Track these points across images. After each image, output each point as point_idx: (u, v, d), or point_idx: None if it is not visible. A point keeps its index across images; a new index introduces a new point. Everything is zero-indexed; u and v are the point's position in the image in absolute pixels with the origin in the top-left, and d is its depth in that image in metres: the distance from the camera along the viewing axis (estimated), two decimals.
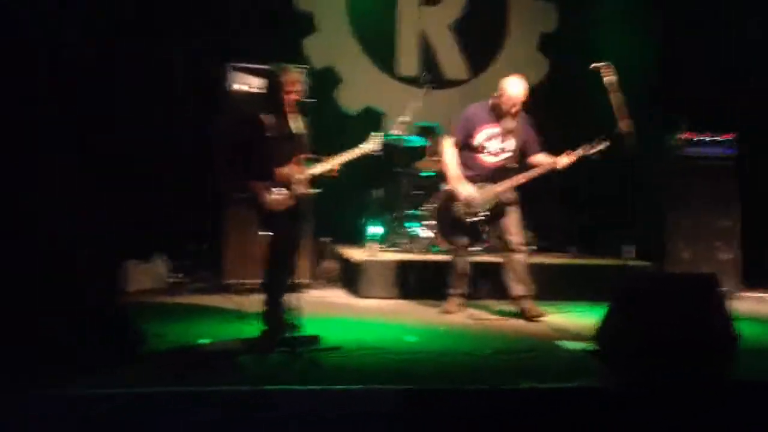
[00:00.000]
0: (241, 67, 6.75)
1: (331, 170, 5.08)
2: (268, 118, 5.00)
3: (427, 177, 7.75)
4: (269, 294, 5.10)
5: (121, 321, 4.19)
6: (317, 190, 5.09)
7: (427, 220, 7.29)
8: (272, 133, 4.98)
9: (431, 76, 7.52)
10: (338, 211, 7.68)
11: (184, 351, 4.57)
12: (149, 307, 5.92)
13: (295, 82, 5.04)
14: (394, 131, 7.21)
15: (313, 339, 4.69)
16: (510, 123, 5.80)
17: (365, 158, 5.41)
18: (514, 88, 5.76)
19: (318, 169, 5.07)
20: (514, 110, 5.76)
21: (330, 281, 7.27)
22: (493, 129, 5.83)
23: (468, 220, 5.86)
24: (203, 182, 7.01)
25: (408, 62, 8.65)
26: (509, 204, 5.89)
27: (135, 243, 6.79)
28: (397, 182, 7.51)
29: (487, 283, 6.54)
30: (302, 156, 5.01)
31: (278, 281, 5.06)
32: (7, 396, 3.49)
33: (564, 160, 5.69)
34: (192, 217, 7.05)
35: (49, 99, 6.76)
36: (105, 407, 3.54)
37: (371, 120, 8.39)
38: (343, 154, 5.20)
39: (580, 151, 5.68)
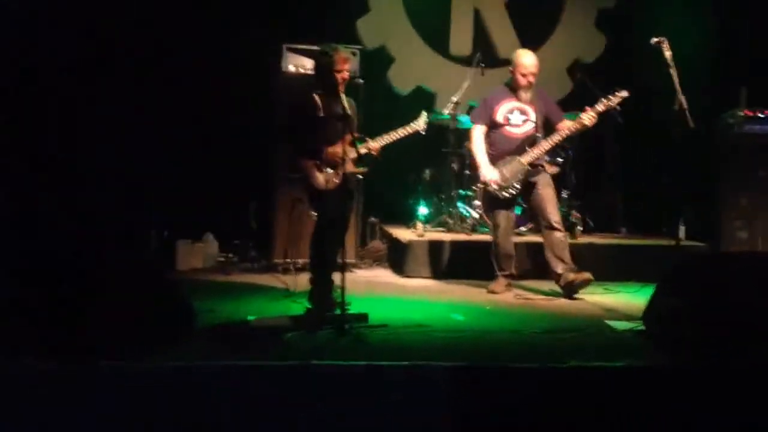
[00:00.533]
0: (295, 48, 6.86)
1: (373, 150, 5.14)
2: (319, 98, 5.12)
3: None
4: (316, 272, 5.23)
5: (176, 297, 4.30)
6: (364, 170, 5.20)
7: (476, 200, 7.31)
8: (323, 113, 5.10)
9: (482, 56, 7.55)
10: (387, 191, 7.77)
11: (234, 327, 4.69)
12: (200, 285, 6.06)
13: (345, 61, 5.14)
14: (445, 111, 7.32)
15: (361, 316, 4.75)
16: (526, 95, 5.97)
17: (414, 139, 5.50)
18: (526, 57, 5.96)
19: (364, 148, 5.15)
20: (527, 81, 5.91)
21: (377, 261, 7.34)
22: (512, 102, 6.00)
23: (501, 194, 5.95)
24: (254, 162, 7.13)
25: (461, 41, 8.60)
26: (540, 176, 5.96)
27: (187, 223, 6.95)
28: (446, 162, 7.55)
29: (533, 264, 6.55)
30: (351, 136, 5.08)
31: (325, 260, 5.18)
32: (66, 369, 3.64)
33: (587, 116, 5.73)
34: (242, 198, 7.17)
35: (109, 82, 6.94)
36: (158, 380, 3.66)
37: (422, 100, 8.35)
38: (388, 133, 5.30)
39: (601, 106, 5.73)
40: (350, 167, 5.12)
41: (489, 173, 5.94)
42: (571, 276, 5.83)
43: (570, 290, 5.83)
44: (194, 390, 3.67)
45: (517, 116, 6.01)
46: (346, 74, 5.11)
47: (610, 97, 5.70)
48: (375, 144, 5.21)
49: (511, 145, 5.98)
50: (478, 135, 6.09)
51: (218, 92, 7.32)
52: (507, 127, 6.01)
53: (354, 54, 5.09)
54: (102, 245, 5.53)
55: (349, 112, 5.17)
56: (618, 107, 5.85)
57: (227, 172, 7.26)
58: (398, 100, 8.40)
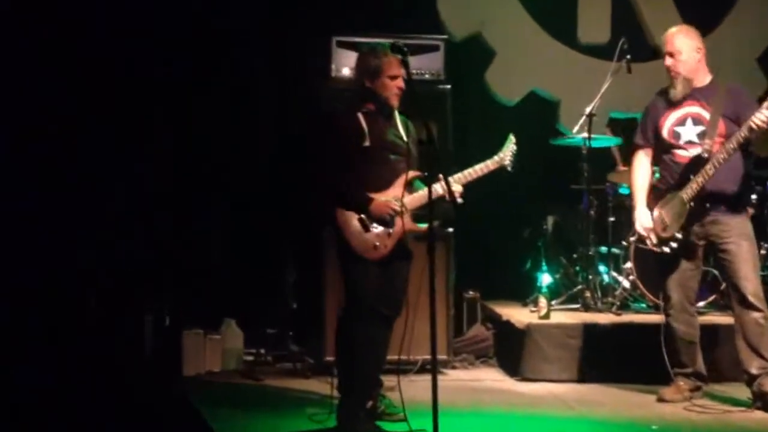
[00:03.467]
0: (350, 42, 6.89)
1: (450, 194, 4.94)
2: (365, 120, 5.14)
3: (626, 195, 7.63)
4: (344, 378, 5.28)
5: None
6: (423, 228, 5.03)
7: (627, 261, 7.24)
8: (370, 142, 5.12)
9: (628, 45, 7.49)
10: (491, 251, 7.80)
11: None
12: (219, 398, 6.09)
13: (400, 64, 5.09)
14: (575, 129, 7.31)
15: None
16: (674, 91, 5.88)
17: (529, 171, 5.51)
18: (668, 40, 5.94)
19: (431, 192, 4.88)
20: (666, 66, 5.88)
21: (480, 356, 7.31)
22: (679, 109, 5.90)
23: (659, 250, 5.81)
24: (292, 212, 7.21)
25: (595, 24, 8.61)
26: (728, 223, 5.76)
27: (199, 306, 6.99)
28: (577, 205, 7.50)
29: (721, 357, 6.42)
30: (409, 175, 5.13)
31: (360, 359, 5.19)
32: None
33: (760, 117, 5.47)
34: (276, 266, 7.22)
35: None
36: None
37: (539, 112, 8.42)
38: (464, 171, 5.28)
39: None
40: (408, 224, 5.15)
41: (640, 218, 5.90)
42: None
43: (766, 403, 5.71)
44: None
45: (690, 129, 5.86)
46: (401, 82, 5.15)
47: None
48: (456, 185, 5.16)
49: (677, 174, 5.85)
50: (638, 162, 6.07)
51: (242, 106, 7.48)
52: (676, 148, 5.89)
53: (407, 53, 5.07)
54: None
55: (406, 138, 5.20)
56: None
57: (254, 227, 7.34)
58: (503, 112, 8.39)
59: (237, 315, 7.09)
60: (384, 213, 5.10)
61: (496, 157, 5.39)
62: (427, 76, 6.89)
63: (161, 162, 7.28)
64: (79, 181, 6.97)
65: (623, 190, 7.67)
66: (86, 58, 7.00)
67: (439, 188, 4.97)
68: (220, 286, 7.21)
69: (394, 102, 5.21)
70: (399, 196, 5.12)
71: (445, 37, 7.33)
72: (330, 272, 6.64)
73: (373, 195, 5.13)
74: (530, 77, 8.56)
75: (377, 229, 5.11)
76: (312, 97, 7.03)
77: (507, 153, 5.40)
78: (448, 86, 6.95)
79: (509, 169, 5.41)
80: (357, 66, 5.38)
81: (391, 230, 5.13)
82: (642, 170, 6.02)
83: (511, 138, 5.46)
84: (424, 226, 5.05)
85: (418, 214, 5.19)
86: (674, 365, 5.96)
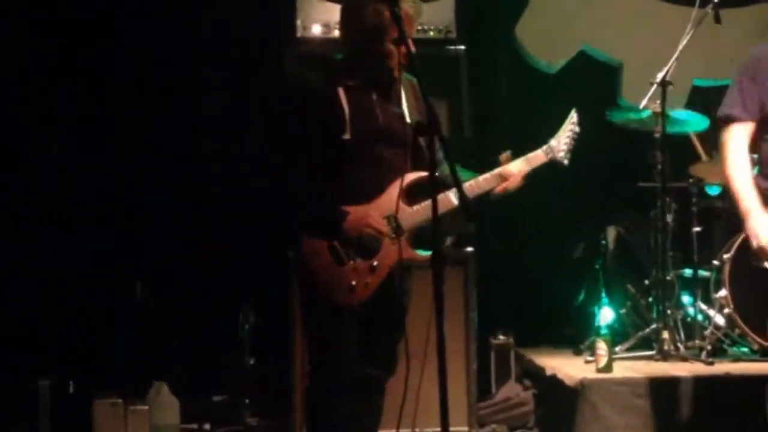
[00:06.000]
0: None
1: (464, 202, 4.74)
2: (345, 97, 5.08)
3: (716, 197, 7.87)
4: None
5: None
6: (425, 256, 4.88)
7: (720, 288, 7.23)
8: (352, 132, 5.03)
9: None
10: (525, 280, 7.80)
11: None
12: None
13: (407, 21, 4.94)
14: (642, 102, 7.26)
15: None
16: None
17: (580, 161, 5.47)
18: None
19: (436, 204, 4.67)
20: None
21: (516, 426, 7.27)
22: None
23: None
24: (249, 231, 7.25)
25: None
26: None
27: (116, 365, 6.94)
28: (649, 211, 7.42)
29: None
30: (414, 175, 5.04)
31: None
32: None
33: None
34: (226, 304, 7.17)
35: None
36: None
37: (592, 80, 8.42)
38: (478, 177, 5.19)
39: None
40: (406, 250, 4.99)
41: (761, 228, 5.66)
42: None
43: None
44: None
45: None
46: (403, 47, 4.87)
47: None
48: (479, 187, 5.11)
49: None
50: (735, 144, 5.76)
51: (182, 89, 7.58)
52: None
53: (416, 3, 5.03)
54: None
55: (408, 119, 5.11)
56: None
57: (194, 250, 7.35)
58: (541, 82, 8.44)
59: (170, 376, 7.04)
60: (364, 233, 4.88)
61: (546, 146, 5.26)
62: (431, 32, 6.88)
63: (71, 169, 7.35)
64: None
65: (712, 190, 7.66)
66: None
67: (451, 196, 4.84)
68: (146, 337, 7.19)
69: (395, 71, 5.03)
70: (392, 209, 4.91)
71: None
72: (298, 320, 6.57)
73: (351, 208, 4.92)
74: (579, 32, 8.57)
75: (355, 260, 4.91)
76: (273, 66, 7.03)
77: (563, 138, 5.30)
78: (462, 47, 6.93)
79: (564, 162, 5.29)
80: (344, 21, 5.23)
81: (375, 262, 4.91)
82: (742, 157, 5.71)
83: (573, 115, 5.34)
84: (426, 254, 4.84)
85: (422, 236, 5.01)
86: None
